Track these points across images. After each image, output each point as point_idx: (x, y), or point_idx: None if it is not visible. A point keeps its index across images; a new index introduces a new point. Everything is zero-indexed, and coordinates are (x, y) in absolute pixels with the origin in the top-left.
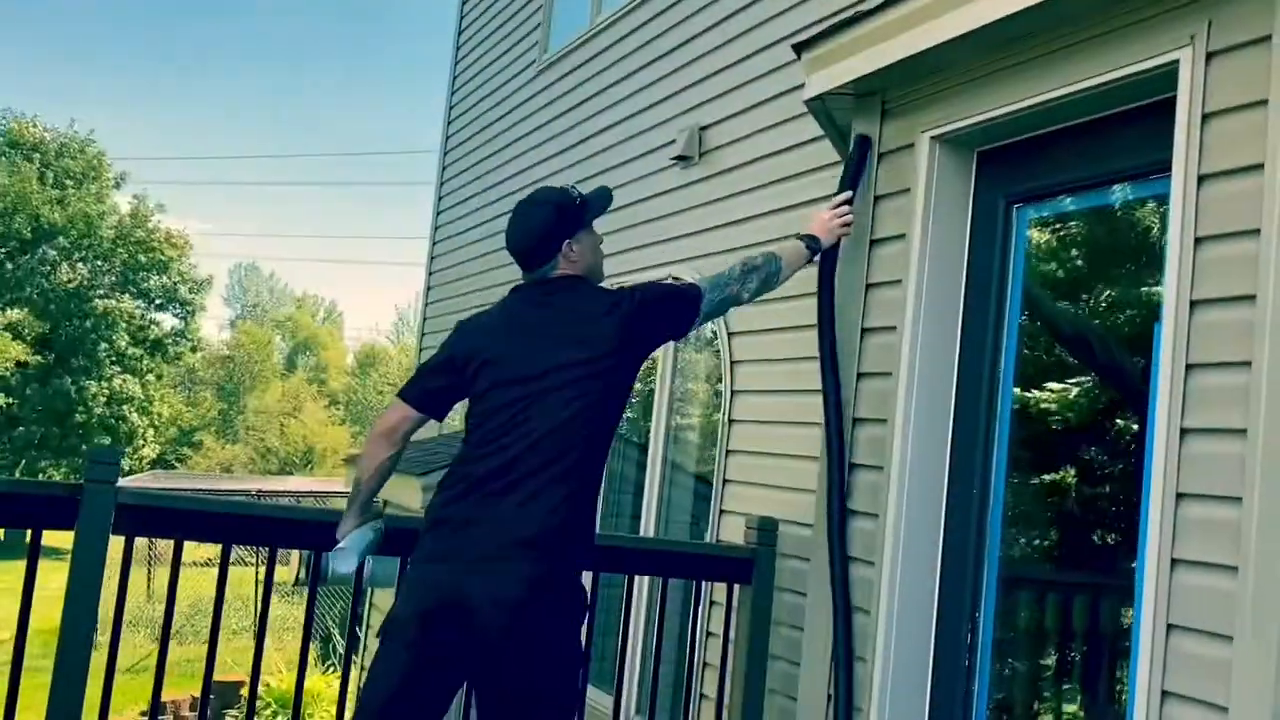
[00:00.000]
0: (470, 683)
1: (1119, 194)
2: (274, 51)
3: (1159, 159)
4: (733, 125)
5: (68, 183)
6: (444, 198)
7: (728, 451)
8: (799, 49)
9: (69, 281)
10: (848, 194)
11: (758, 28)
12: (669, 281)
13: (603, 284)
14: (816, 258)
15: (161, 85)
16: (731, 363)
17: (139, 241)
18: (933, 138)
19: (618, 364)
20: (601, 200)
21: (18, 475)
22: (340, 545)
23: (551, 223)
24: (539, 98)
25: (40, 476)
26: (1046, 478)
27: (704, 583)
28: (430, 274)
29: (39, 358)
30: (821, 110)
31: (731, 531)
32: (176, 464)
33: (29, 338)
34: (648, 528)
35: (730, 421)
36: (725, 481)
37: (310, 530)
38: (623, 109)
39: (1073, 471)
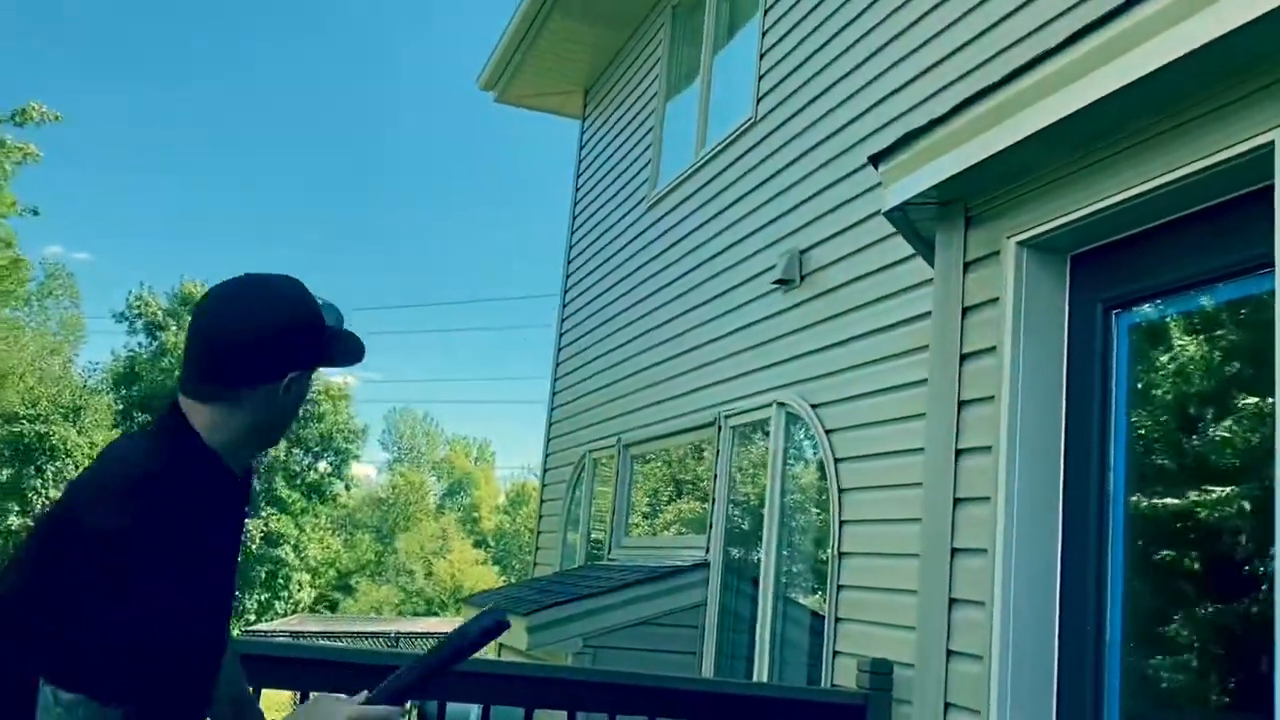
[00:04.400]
0: None
1: (1223, 292)
2: (395, 199)
3: (1261, 252)
4: (831, 247)
5: None
6: (565, 334)
7: (839, 586)
8: (876, 160)
9: None
10: (393, 712)
11: (850, 150)
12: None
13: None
14: None
15: (302, 241)
16: (839, 490)
17: None
18: (1019, 243)
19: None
20: (352, 351)
21: None
22: None
23: (297, 333)
24: (650, 231)
25: None
26: (1169, 603)
27: None
28: (552, 410)
29: None
30: (904, 222)
31: (847, 674)
32: (326, 610)
33: None
34: (760, 670)
35: (840, 554)
36: (838, 620)
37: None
38: (726, 237)
39: (1198, 589)
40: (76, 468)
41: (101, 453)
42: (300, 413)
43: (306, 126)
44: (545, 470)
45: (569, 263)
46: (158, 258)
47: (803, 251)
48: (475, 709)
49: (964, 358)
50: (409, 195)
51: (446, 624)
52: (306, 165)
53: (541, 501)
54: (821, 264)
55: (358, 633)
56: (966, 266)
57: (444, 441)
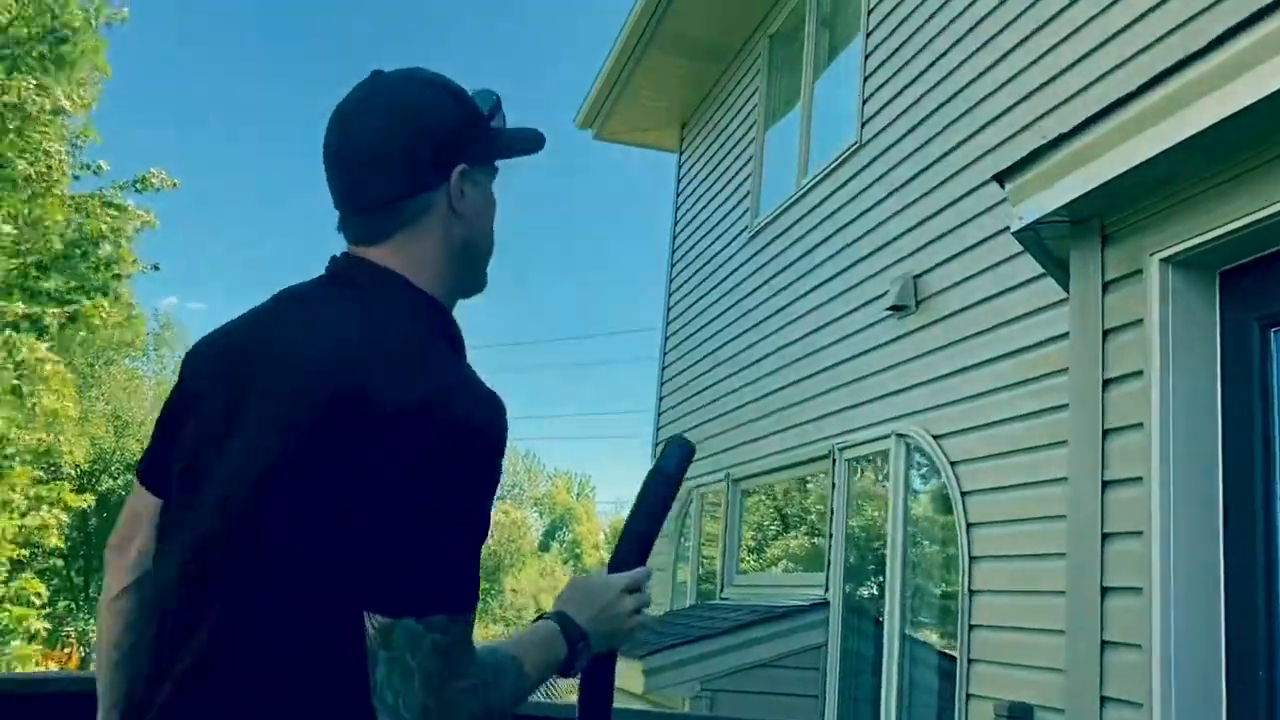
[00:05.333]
0: None
1: None
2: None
3: None
4: (949, 270)
5: None
6: (667, 367)
7: (970, 626)
8: (1001, 178)
9: None
10: (643, 572)
11: (966, 169)
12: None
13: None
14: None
15: None
16: (967, 525)
17: None
18: (1164, 260)
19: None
20: (530, 138)
21: None
22: None
23: (447, 120)
24: (753, 261)
25: None
26: None
27: None
28: (656, 445)
29: None
30: (1034, 242)
31: (982, 718)
32: None
33: None
34: (888, 715)
35: (971, 592)
36: (970, 661)
37: None
38: (834, 264)
39: None
40: None
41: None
42: (492, 236)
43: None
44: None
45: (670, 295)
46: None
47: (917, 276)
48: None
49: (1107, 383)
50: (508, 233)
51: None
52: None
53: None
54: (938, 288)
55: None
56: (1105, 287)
57: (545, 477)
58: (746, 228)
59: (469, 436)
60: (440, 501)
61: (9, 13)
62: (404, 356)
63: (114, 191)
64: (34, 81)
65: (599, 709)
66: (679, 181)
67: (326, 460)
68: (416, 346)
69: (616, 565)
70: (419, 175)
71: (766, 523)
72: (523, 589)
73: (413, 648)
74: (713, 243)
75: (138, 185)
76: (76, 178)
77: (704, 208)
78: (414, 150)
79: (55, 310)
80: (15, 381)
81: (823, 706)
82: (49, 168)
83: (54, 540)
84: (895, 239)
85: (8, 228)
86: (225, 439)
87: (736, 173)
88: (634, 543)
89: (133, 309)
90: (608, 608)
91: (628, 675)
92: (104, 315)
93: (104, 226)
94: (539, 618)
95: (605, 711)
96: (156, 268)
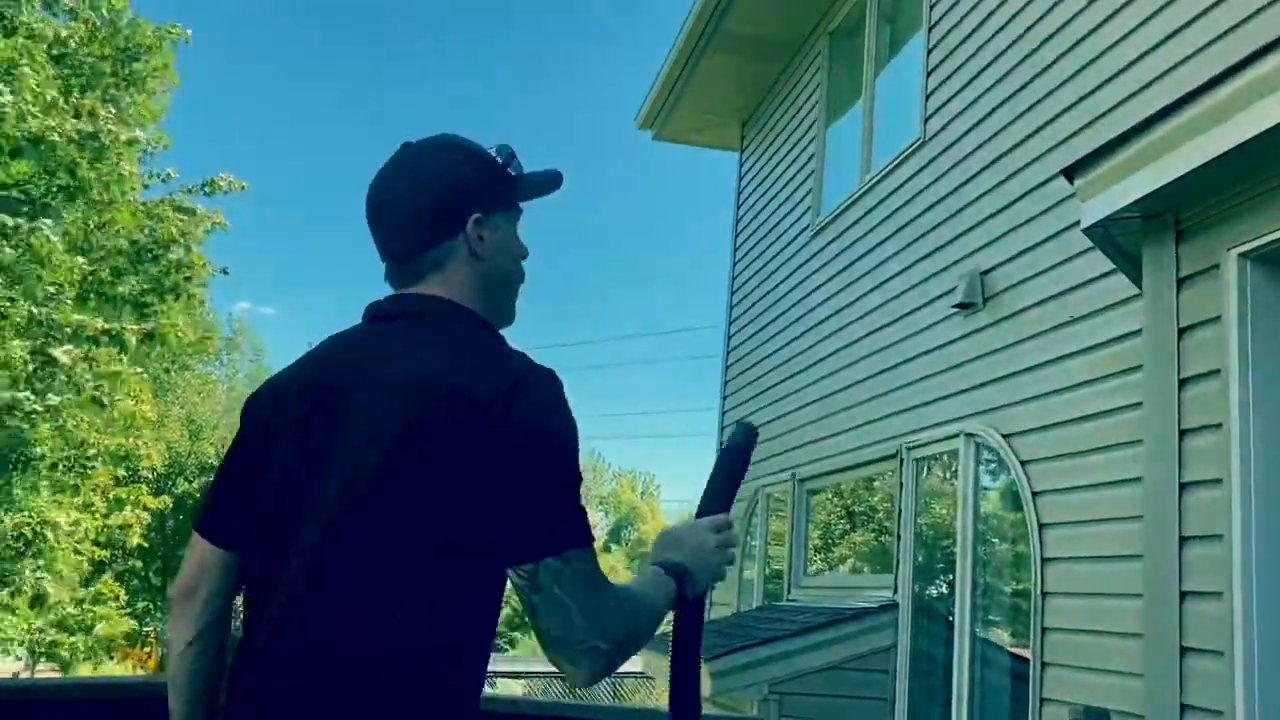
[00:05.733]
0: None
1: None
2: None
3: None
4: (1017, 266)
5: None
6: (731, 366)
7: (1044, 629)
8: (1070, 173)
9: None
10: (725, 517)
11: (1033, 163)
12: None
13: (503, 335)
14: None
15: None
16: (1039, 525)
17: None
18: (1242, 255)
19: (461, 494)
20: (546, 179)
21: None
22: None
23: (461, 179)
24: (815, 259)
25: None
26: None
27: None
28: (720, 445)
29: None
30: (1104, 238)
31: None
32: (505, 646)
33: None
34: (960, 718)
35: (1044, 594)
36: (1044, 664)
37: None
38: (898, 261)
39: None
40: None
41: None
42: (522, 273)
43: None
44: None
45: (732, 294)
46: (337, 309)
47: (984, 273)
48: None
49: (1183, 383)
50: (565, 234)
51: (629, 665)
52: None
53: None
54: (1006, 285)
55: (531, 672)
56: (1180, 283)
57: (610, 476)
58: (808, 226)
59: (555, 405)
60: (546, 459)
61: (81, 37)
62: (484, 355)
63: (183, 196)
64: (112, 111)
65: (690, 653)
66: (740, 180)
67: (441, 452)
68: (488, 346)
69: (702, 514)
70: (438, 226)
71: (834, 522)
72: None
73: (558, 582)
74: (774, 241)
75: (206, 188)
76: (146, 186)
77: (765, 206)
78: (432, 206)
79: (134, 326)
80: (94, 392)
81: (892, 709)
82: (121, 185)
83: (135, 539)
84: (961, 235)
85: (61, 238)
86: (328, 463)
87: (798, 171)
88: (716, 494)
89: (206, 311)
90: (699, 546)
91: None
92: (179, 334)
93: (175, 230)
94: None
95: (696, 656)
96: (225, 271)
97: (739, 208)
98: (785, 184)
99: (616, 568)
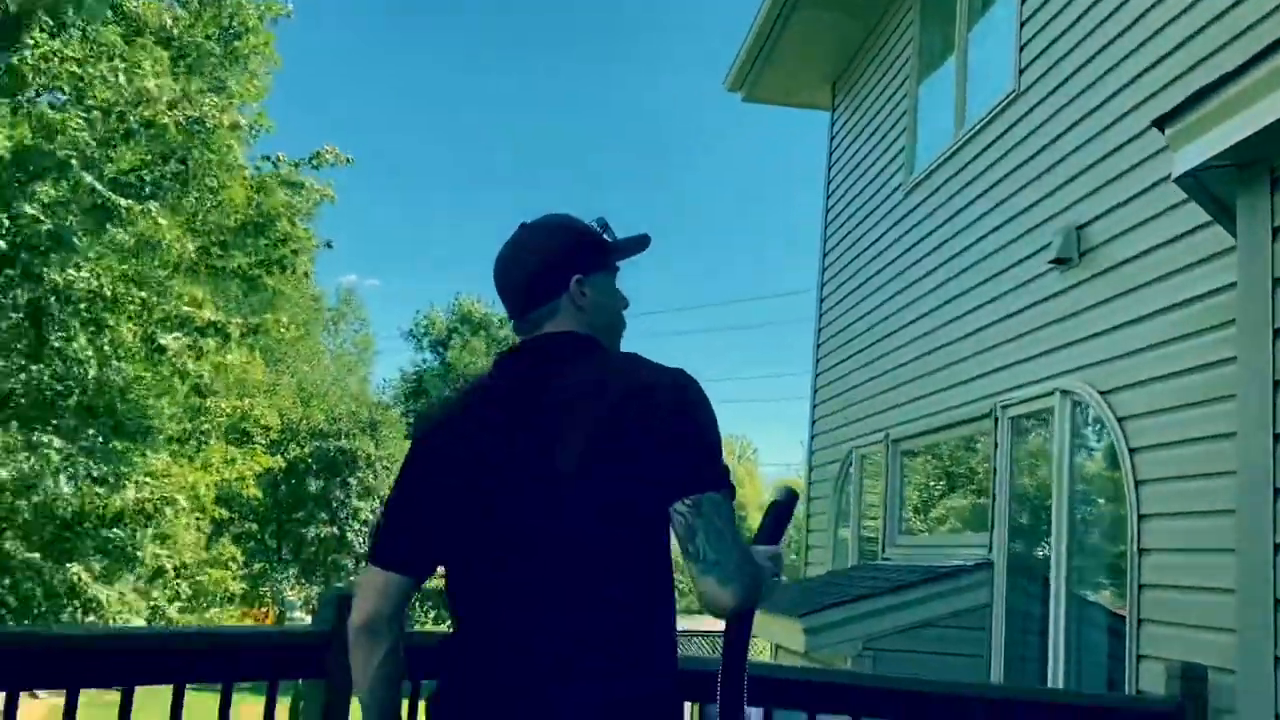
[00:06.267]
0: None
1: None
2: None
3: None
4: (1113, 220)
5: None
6: (823, 329)
7: (1140, 585)
8: (1161, 123)
9: None
10: (776, 550)
11: (1129, 114)
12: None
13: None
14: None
15: None
16: (1136, 482)
17: None
18: None
19: (643, 473)
20: (635, 242)
21: None
22: None
23: (562, 249)
24: (909, 218)
25: None
26: None
27: None
28: (814, 407)
29: None
30: (1197, 188)
31: (1153, 679)
32: None
33: None
34: (1055, 675)
35: (1140, 551)
36: (1140, 621)
37: None
38: (993, 217)
39: None
40: (376, 478)
41: (627, 363)
42: (623, 320)
43: (555, 143)
44: (811, 468)
45: (825, 255)
46: (438, 280)
47: (1080, 227)
48: (756, 712)
49: (1277, 334)
50: (667, 202)
51: (720, 623)
52: (557, 182)
53: (809, 500)
54: (1102, 239)
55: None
56: (1276, 232)
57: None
58: (901, 184)
59: (697, 386)
60: (703, 423)
61: (185, 21)
62: (630, 360)
63: (290, 170)
64: (216, 98)
65: (737, 663)
66: (831, 140)
67: (625, 435)
68: (629, 356)
69: (759, 541)
70: (547, 288)
71: (929, 482)
72: None
73: (718, 513)
74: (867, 200)
75: (313, 162)
76: (257, 168)
77: (857, 165)
78: (539, 275)
79: (239, 321)
80: (196, 380)
81: (988, 666)
82: (229, 168)
83: (251, 490)
84: (1057, 189)
85: (171, 218)
86: (529, 472)
87: (891, 128)
88: (768, 532)
89: (312, 285)
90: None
91: (789, 634)
92: (283, 329)
93: (282, 205)
94: None
95: (741, 663)
96: (329, 245)
97: (830, 168)
98: (877, 142)
99: None
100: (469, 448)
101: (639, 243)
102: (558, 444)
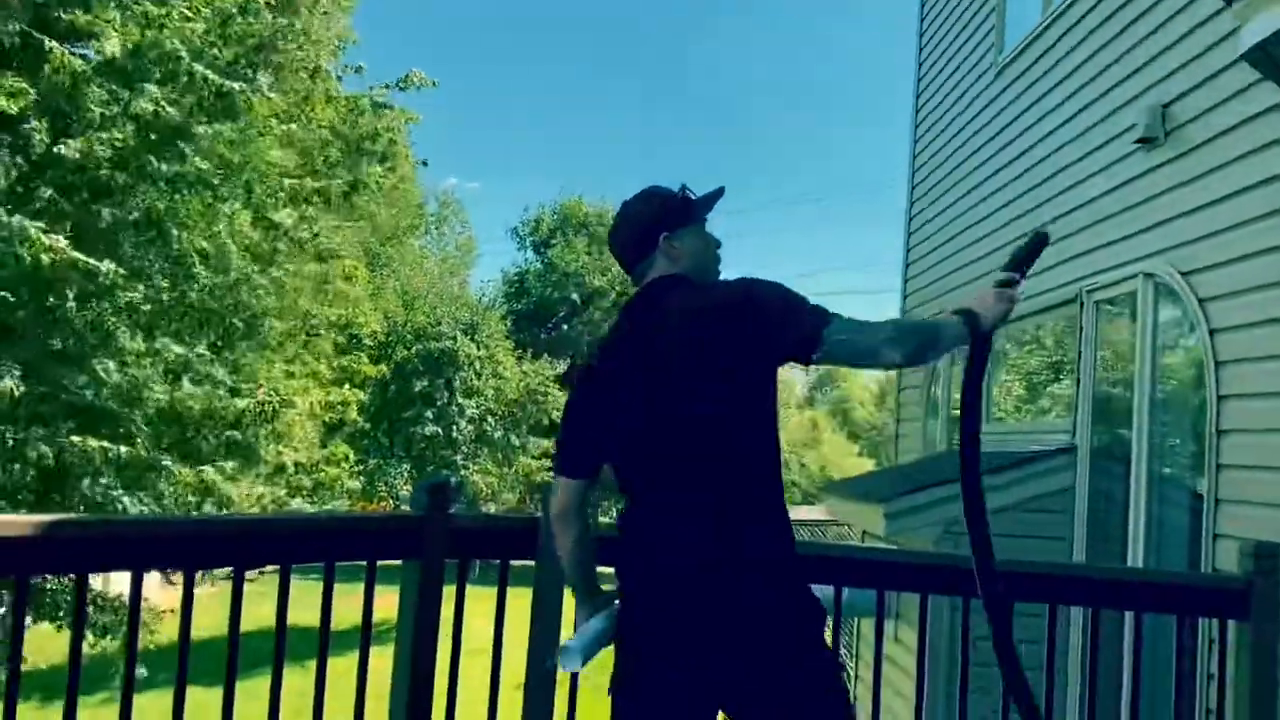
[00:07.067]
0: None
1: None
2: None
3: None
4: (1198, 97)
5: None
6: (914, 218)
7: (1219, 466)
8: None
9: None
10: (1013, 276)
11: None
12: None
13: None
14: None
15: (655, 149)
16: (1216, 364)
17: None
18: None
19: (741, 369)
20: (712, 196)
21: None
22: (564, 643)
23: (648, 216)
24: (999, 100)
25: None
26: None
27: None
28: (905, 297)
29: None
30: (1266, 62)
31: (1229, 558)
32: None
33: None
34: (1135, 555)
35: (1219, 432)
36: (1218, 501)
37: None
38: (1080, 98)
39: None
40: (478, 376)
41: (738, 284)
42: (716, 258)
43: (633, 49)
44: None
45: (915, 143)
46: (536, 182)
47: (1165, 106)
48: (829, 589)
49: None
50: (754, 96)
51: (819, 512)
52: (623, 87)
53: (899, 390)
54: (1188, 117)
55: None
56: None
57: None
58: (991, 65)
59: (758, 279)
60: (779, 293)
61: None
62: (714, 283)
63: (380, 92)
64: None
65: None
66: (922, 22)
67: (738, 337)
68: (715, 281)
69: (1005, 268)
70: (642, 249)
71: (1016, 370)
72: (785, 442)
73: (841, 333)
74: (957, 84)
75: (400, 84)
76: (339, 77)
77: (947, 49)
78: (633, 239)
79: (340, 182)
80: (314, 247)
81: (1070, 548)
82: (317, 75)
83: (353, 414)
84: (1143, 66)
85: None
86: (670, 383)
87: (980, 8)
88: (1018, 258)
89: (413, 192)
90: (983, 297)
91: (870, 518)
92: (379, 179)
93: (375, 125)
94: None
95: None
96: (424, 163)
97: (921, 52)
98: (967, 23)
99: (819, 422)
100: (615, 377)
101: (715, 196)
102: (678, 360)
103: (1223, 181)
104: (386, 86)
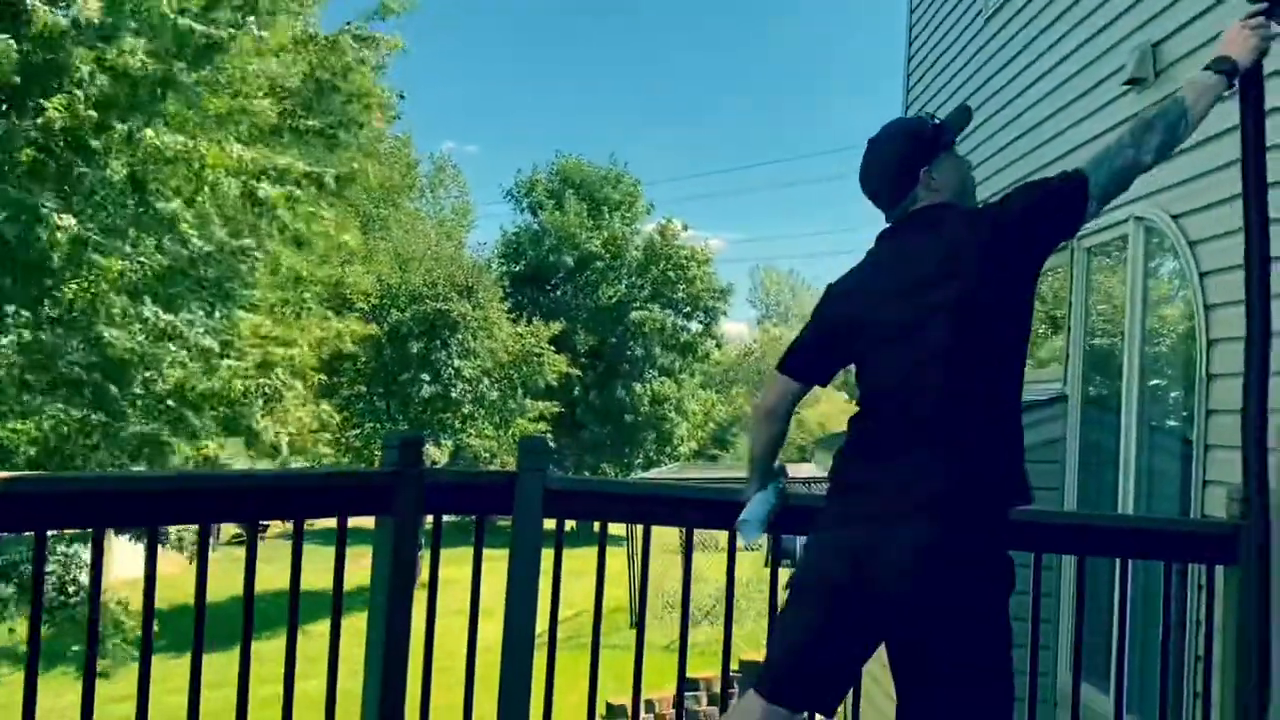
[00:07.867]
0: (888, 648)
1: None
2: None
3: None
4: (1188, 35)
5: (604, 210)
6: None
7: (1208, 411)
8: None
9: (610, 298)
10: (1261, 6)
11: None
12: (1039, 179)
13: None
14: (1234, 85)
15: (670, 111)
16: (1205, 307)
17: (666, 258)
18: None
19: (1003, 286)
20: (960, 118)
21: (584, 474)
22: (742, 516)
23: (905, 152)
24: (991, 44)
25: (597, 474)
26: None
27: (1190, 565)
28: None
29: (592, 370)
30: None
31: (1218, 504)
32: (708, 461)
33: (583, 351)
34: (1126, 503)
35: (1209, 376)
36: (1207, 447)
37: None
38: (1068, 42)
39: None
40: (475, 338)
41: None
42: (971, 185)
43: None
44: None
45: (908, 91)
46: (533, 145)
47: (1155, 45)
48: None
49: None
50: (750, 65)
51: (819, 470)
52: (651, 43)
53: None
54: (1176, 57)
55: (734, 478)
56: None
57: (810, 294)
58: (981, 10)
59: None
60: (1018, 197)
61: None
62: (971, 209)
63: (361, 24)
64: None
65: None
66: None
67: (1000, 247)
68: (970, 208)
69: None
70: (901, 187)
71: None
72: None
73: (1095, 179)
74: (949, 30)
75: (379, 13)
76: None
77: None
78: (891, 180)
79: (333, 171)
80: (295, 230)
81: (1061, 498)
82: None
83: (349, 345)
84: (1132, 5)
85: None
86: (929, 304)
87: None
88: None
89: (397, 141)
90: (1233, 38)
91: None
92: (373, 171)
93: (351, 60)
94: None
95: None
96: (402, 95)
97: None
98: None
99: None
100: (870, 292)
101: (963, 114)
102: (926, 285)
103: (1211, 121)
104: (366, 18)
